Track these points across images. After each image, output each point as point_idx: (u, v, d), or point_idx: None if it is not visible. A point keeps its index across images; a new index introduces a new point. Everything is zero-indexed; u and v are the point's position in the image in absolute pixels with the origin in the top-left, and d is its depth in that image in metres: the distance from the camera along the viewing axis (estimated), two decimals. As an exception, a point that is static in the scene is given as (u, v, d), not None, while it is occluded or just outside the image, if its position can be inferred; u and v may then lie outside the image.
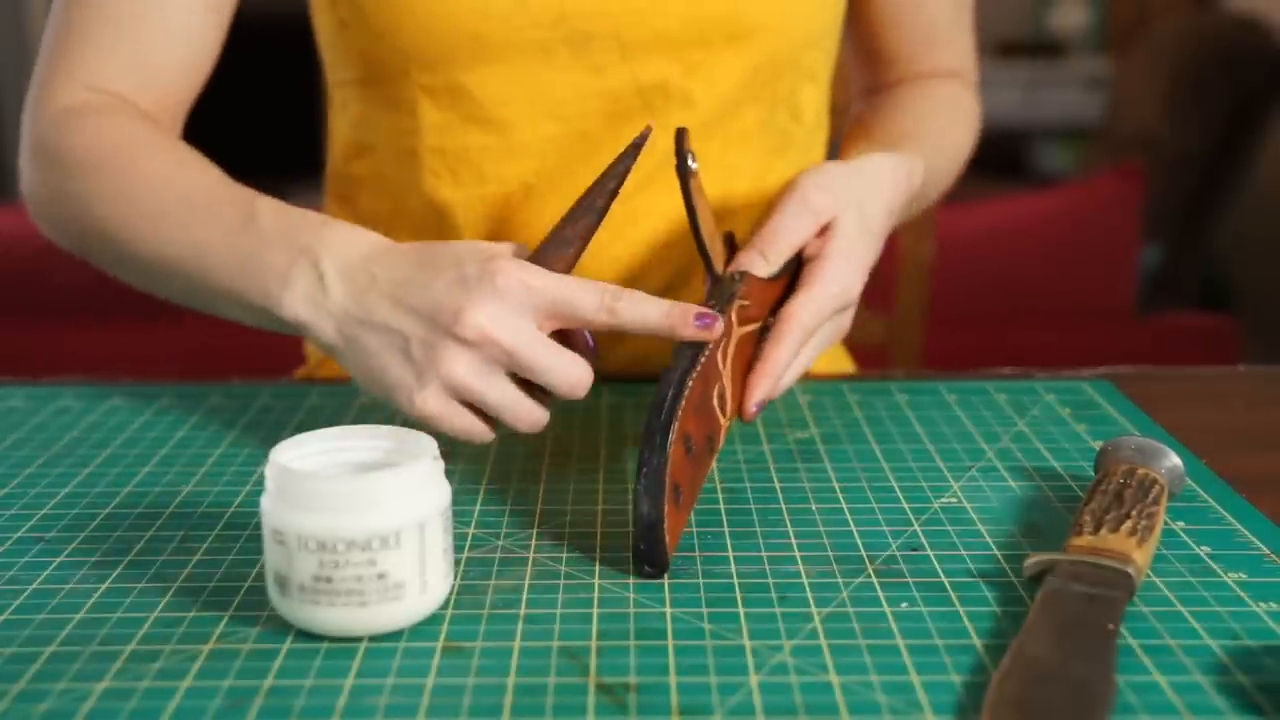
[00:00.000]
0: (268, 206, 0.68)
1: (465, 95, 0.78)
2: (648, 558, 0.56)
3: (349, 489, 0.50)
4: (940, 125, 0.87)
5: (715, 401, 0.62)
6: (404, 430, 0.56)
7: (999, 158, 3.80)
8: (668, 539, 0.56)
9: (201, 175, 0.73)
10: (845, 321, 0.71)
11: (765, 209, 0.71)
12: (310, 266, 0.64)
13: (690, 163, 0.67)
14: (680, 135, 0.67)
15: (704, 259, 0.68)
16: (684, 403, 0.58)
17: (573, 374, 0.61)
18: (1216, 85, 2.49)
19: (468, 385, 0.61)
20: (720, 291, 0.65)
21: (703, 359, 0.60)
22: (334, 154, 0.90)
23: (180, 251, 0.70)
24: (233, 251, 0.67)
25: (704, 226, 0.67)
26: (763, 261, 0.67)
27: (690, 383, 0.59)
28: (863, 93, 0.94)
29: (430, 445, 0.54)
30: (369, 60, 0.80)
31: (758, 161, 0.84)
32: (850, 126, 0.89)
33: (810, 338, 0.67)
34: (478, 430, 0.63)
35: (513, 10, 0.75)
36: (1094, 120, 3.47)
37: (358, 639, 0.52)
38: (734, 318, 0.64)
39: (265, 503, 0.52)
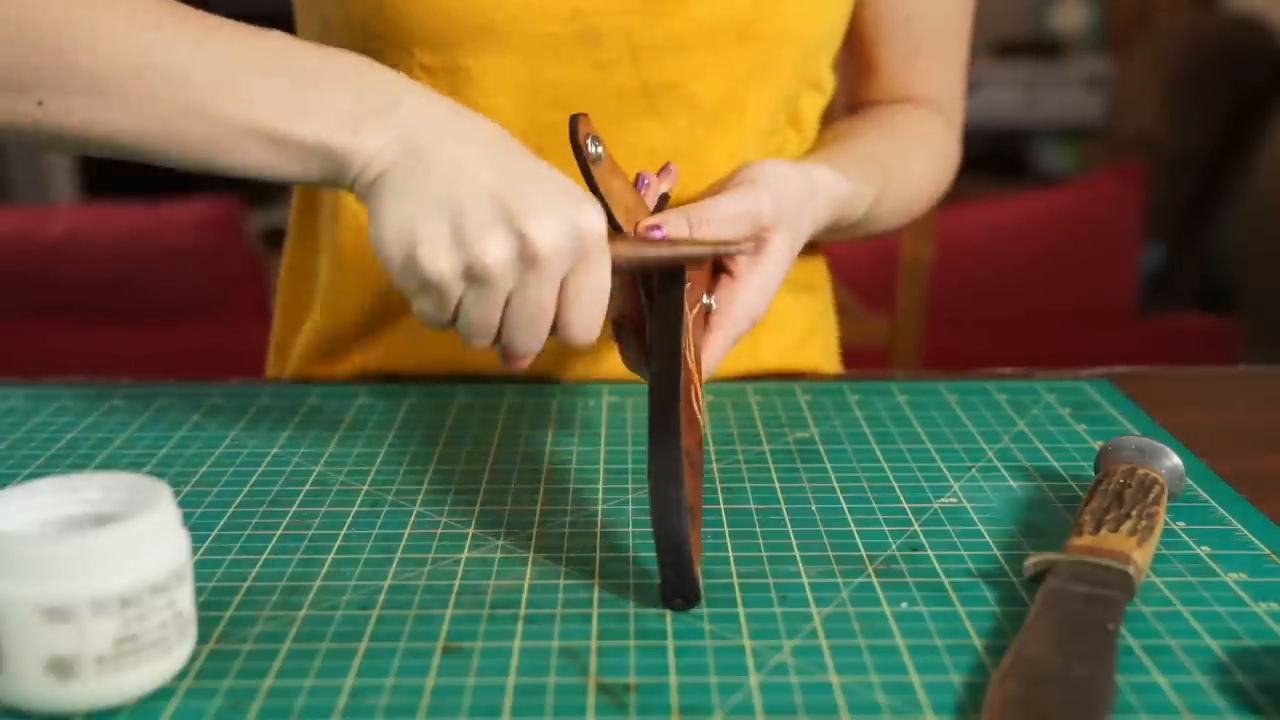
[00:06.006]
0: (302, 44, 0.62)
1: (467, 80, 0.78)
2: (680, 591, 0.54)
3: (138, 529, 0.46)
4: (908, 159, 0.86)
5: (694, 403, 0.62)
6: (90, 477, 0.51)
7: (999, 158, 3.80)
8: (695, 567, 0.54)
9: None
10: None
11: (715, 184, 0.73)
12: (387, 99, 0.61)
13: (592, 148, 0.66)
14: (574, 121, 0.66)
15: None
16: (681, 422, 0.58)
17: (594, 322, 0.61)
18: (1217, 85, 2.49)
19: (489, 276, 0.59)
20: (671, 290, 0.65)
21: (681, 371, 0.60)
22: None
23: (187, 68, 0.59)
24: (272, 77, 0.60)
25: (620, 209, 0.66)
26: (686, 230, 0.67)
27: (680, 408, 0.58)
28: (845, 108, 0.94)
29: (157, 486, 0.50)
30: (369, 33, 0.78)
31: None
32: (825, 133, 0.89)
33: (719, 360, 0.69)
34: (445, 317, 0.61)
35: (528, 2, 0.75)
36: (1094, 120, 3.48)
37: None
38: (689, 316, 0.64)
39: (21, 588, 0.45)
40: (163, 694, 0.48)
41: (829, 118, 0.90)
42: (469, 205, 0.59)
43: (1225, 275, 2.87)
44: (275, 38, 0.62)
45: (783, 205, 0.70)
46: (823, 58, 0.84)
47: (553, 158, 0.79)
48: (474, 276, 0.59)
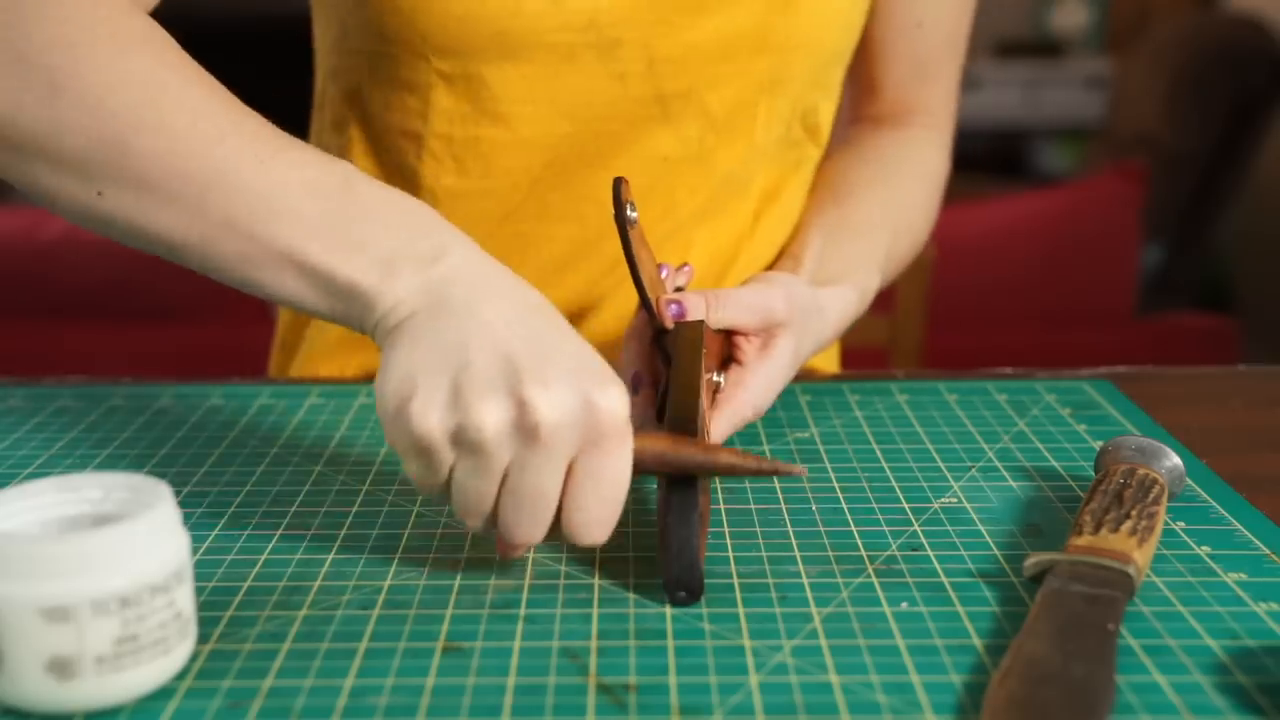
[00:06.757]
0: (362, 177, 0.59)
1: (482, 87, 0.78)
2: (686, 585, 0.54)
3: (138, 529, 0.46)
4: (910, 211, 0.87)
5: (706, 439, 0.64)
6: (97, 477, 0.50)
7: (999, 158, 3.80)
8: (700, 565, 0.55)
9: (248, 112, 0.60)
10: None
11: (737, 282, 0.75)
12: (431, 249, 0.56)
13: (630, 212, 0.66)
14: (618, 185, 0.66)
15: (647, 310, 0.69)
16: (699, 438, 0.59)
17: (605, 517, 0.54)
18: (1217, 85, 2.49)
19: (482, 444, 0.52)
20: (688, 335, 0.67)
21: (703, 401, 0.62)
22: (321, 121, 0.87)
23: (239, 184, 0.56)
24: (324, 206, 0.56)
25: (645, 277, 0.68)
26: (703, 309, 0.69)
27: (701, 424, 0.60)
28: (850, 120, 0.94)
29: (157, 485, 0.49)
30: (386, 37, 0.78)
31: (773, 174, 0.85)
32: (826, 169, 0.89)
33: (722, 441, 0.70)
34: (436, 483, 0.55)
35: (545, 11, 0.75)
36: (1094, 120, 3.47)
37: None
38: (703, 366, 0.66)
39: (21, 588, 0.45)
40: (163, 694, 0.48)
41: (834, 129, 0.91)
42: (477, 364, 0.52)
43: (1224, 275, 2.87)
44: (341, 169, 0.58)
45: (794, 308, 0.72)
46: (836, 68, 0.85)
47: (567, 167, 0.80)
48: (464, 443, 0.52)
